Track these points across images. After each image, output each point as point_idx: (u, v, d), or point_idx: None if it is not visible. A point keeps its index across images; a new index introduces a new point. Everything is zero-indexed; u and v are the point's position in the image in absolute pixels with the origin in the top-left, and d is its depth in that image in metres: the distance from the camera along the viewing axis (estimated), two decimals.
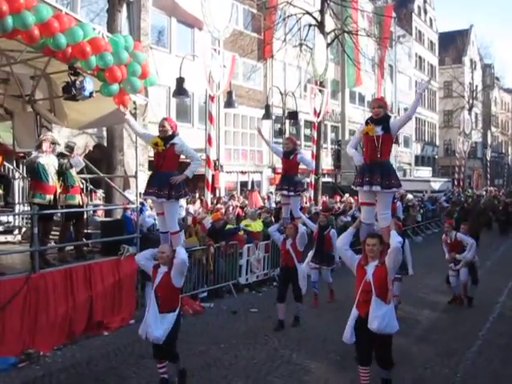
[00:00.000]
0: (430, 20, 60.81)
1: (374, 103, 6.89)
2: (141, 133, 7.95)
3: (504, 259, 18.24)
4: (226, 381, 7.24)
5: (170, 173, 7.29)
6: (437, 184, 36.80)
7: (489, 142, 64.29)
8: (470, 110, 59.66)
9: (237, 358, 8.08)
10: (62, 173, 9.55)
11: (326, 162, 30.79)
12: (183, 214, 12.42)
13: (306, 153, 18.72)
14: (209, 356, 8.13)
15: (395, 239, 6.13)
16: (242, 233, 12.94)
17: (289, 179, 9.72)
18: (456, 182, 43.35)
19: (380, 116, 6.62)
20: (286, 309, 9.68)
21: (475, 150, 63.63)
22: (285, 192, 9.72)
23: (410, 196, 25.83)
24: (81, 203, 9.89)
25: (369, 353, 6.22)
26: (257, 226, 13.42)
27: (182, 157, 7.59)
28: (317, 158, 23.01)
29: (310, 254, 11.59)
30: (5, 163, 11.68)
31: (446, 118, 67.40)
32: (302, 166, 10.11)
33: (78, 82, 8.37)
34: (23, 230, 12.49)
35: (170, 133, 7.37)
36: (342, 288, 10.97)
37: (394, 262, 6.08)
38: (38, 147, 9.28)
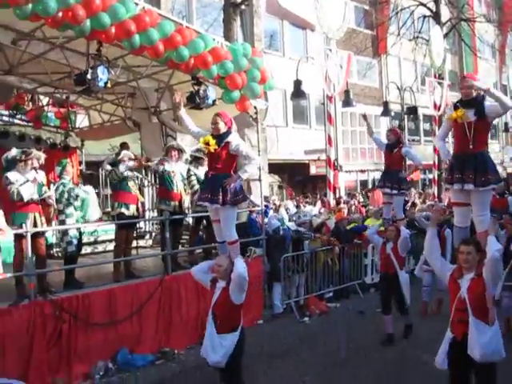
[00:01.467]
0: None
1: (462, 82, 5.95)
2: (195, 131, 6.76)
3: None
4: (356, 381, 7.21)
5: (225, 175, 6.39)
6: None
7: None
8: None
9: (366, 358, 8.01)
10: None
11: None
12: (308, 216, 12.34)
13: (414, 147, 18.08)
14: (337, 356, 8.10)
15: (493, 247, 5.01)
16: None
17: (391, 175, 8.87)
18: None
19: (471, 97, 5.83)
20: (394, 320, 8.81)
21: None
22: (387, 190, 8.90)
23: None
24: None
25: (466, 381, 5.20)
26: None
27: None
28: (439, 152, 22.33)
29: (422, 257, 10.31)
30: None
31: None
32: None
33: (201, 92, 8.72)
34: (153, 234, 13.15)
35: (225, 130, 6.45)
36: None
37: (492, 274, 4.97)
38: (165, 155, 9.74)
